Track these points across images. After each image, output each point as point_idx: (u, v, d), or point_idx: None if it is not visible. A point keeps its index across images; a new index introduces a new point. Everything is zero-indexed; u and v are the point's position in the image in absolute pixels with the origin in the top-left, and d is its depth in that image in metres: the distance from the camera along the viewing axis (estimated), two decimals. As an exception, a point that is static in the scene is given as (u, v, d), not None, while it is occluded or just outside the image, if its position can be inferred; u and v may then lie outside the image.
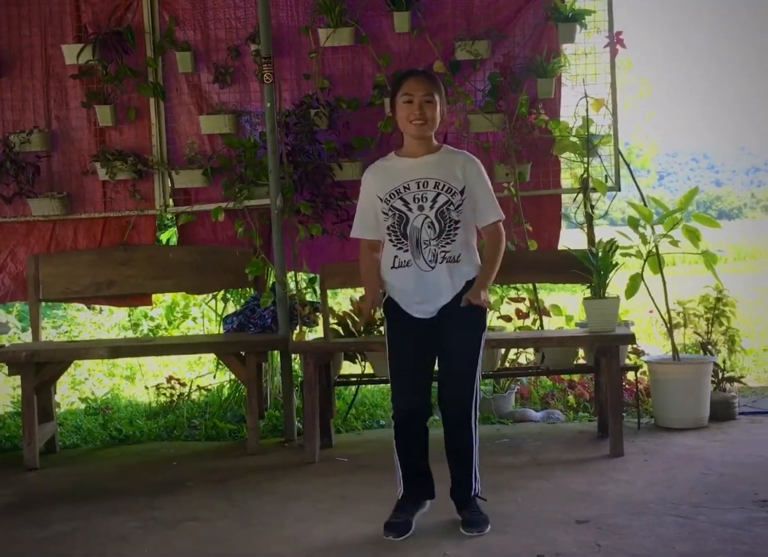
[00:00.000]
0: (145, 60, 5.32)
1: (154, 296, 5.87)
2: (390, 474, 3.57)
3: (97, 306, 7.40)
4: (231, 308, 5.61)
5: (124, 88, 5.31)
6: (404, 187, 3.38)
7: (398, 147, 3.57)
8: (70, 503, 4.00)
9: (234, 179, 5.24)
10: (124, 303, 5.72)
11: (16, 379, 5.50)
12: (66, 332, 7.54)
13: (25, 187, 5.25)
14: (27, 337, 7.12)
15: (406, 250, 3.37)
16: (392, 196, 3.39)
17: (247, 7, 5.34)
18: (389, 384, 3.56)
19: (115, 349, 4.86)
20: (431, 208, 3.37)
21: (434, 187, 3.38)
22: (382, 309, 3.50)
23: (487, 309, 3.58)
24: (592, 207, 5.31)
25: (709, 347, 5.16)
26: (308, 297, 5.23)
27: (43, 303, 5.41)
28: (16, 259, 5.37)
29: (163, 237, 6.56)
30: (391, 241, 3.40)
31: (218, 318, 5.66)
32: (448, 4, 5.34)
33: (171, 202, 5.41)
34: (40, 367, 4.66)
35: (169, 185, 5.39)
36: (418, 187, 3.38)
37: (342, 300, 8.58)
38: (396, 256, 3.39)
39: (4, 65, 5.35)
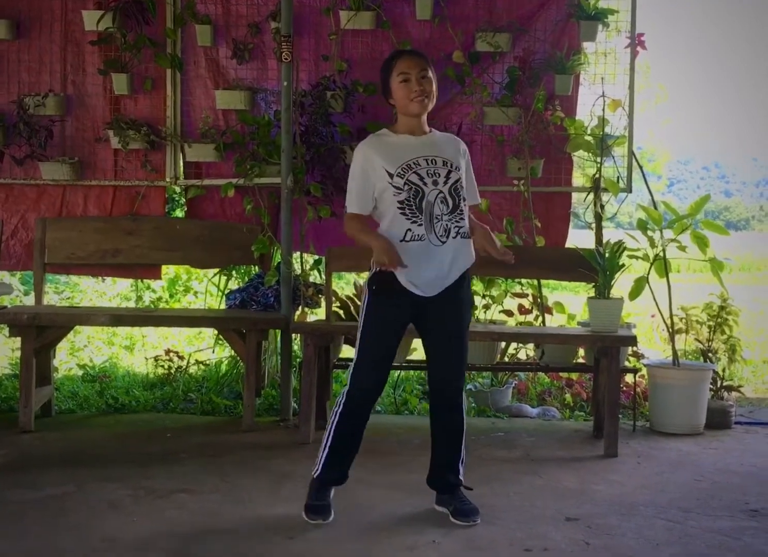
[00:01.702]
0: (165, 31, 5.31)
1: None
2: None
3: (100, 274, 7.38)
4: (233, 285, 5.62)
5: (142, 57, 5.30)
6: (414, 163, 3.36)
7: (392, 125, 3.52)
8: (62, 467, 4.01)
9: (246, 156, 5.24)
10: (132, 275, 5.72)
11: (15, 341, 5.52)
12: (68, 298, 7.55)
13: (36, 150, 5.25)
14: (29, 301, 7.13)
15: (420, 224, 3.33)
16: (406, 170, 3.34)
17: (269, -16, 5.32)
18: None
19: (116, 317, 4.87)
20: (445, 183, 3.36)
21: (443, 165, 3.39)
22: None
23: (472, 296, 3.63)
24: (602, 207, 5.30)
25: (710, 355, 5.16)
26: (312, 279, 5.23)
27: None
28: (27, 226, 5.37)
29: (177, 213, 6.56)
30: (404, 214, 3.33)
31: (220, 294, 5.66)
32: (471, -6, 5.32)
33: (182, 174, 5.41)
34: (41, 331, 4.67)
35: (181, 158, 5.39)
36: (428, 164, 3.37)
37: (345, 284, 8.60)
38: (409, 229, 3.33)
39: (23, 26, 5.34)
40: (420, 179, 3.34)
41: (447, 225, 3.35)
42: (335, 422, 3.41)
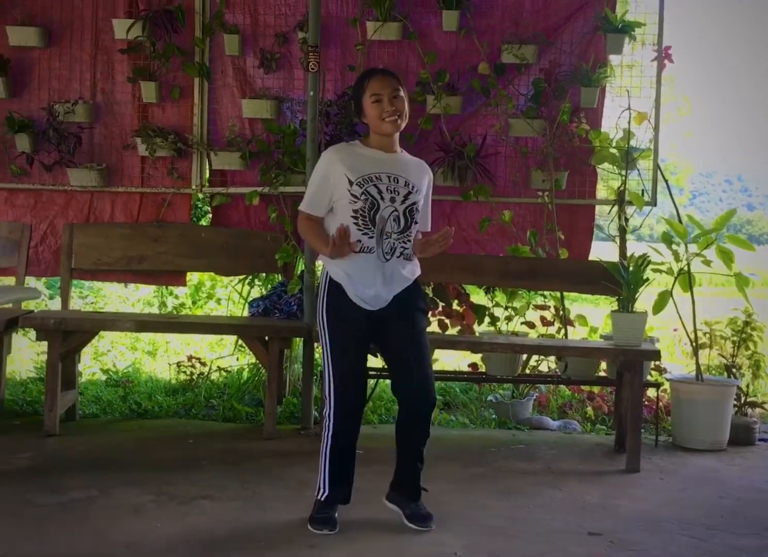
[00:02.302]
0: (193, 40, 5.35)
1: (181, 275, 5.90)
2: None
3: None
4: (256, 292, 5.64)
5: (171, 66, 5.34)
6: (376, 177, 3.39)
7: (365, 138, 3.56)
8: (86, 472, 4.05)
9: (271, 165, 5.27)
10: (157, 281, 5.75)
11: (40, 345, 5.57)
12: (92, 303, 7.61)
13: (65, 157, 5.31)
14: (53, 305, 7.20)
15: (371, 237, 3.36)
16: (366, 181, 3.37)
17: (297, -5, 5.36)
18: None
19: (141, 323, 4.90)
20: (402, 203, 3.40)
21: (405, 185, 3.41)
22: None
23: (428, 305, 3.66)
24: (626, 220, 5.29)
25: (734, 370, 5.13)
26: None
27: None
28: (55, 232, 5.41)
29: (202, 222, 6.61)
30: (356, 225, 3.36)
31: (242, 301, 5.69)
32: (498, 6, 5.34)
33: (207, 182, 5.45)
34: (67, 335, 4.70)
35: (207, 166, 5.43)
36: (390, 181, 3.40)
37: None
38: (360, 240, 3.36)
39: (54, 34, 5.40)
40: (378, 192, 3.37)
41: (394, 243, 3.39)
42: (328, 444, 3.42)
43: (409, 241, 3.43)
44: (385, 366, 5.14)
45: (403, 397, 3.45)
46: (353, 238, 3.35)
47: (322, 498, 3.44)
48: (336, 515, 3.44)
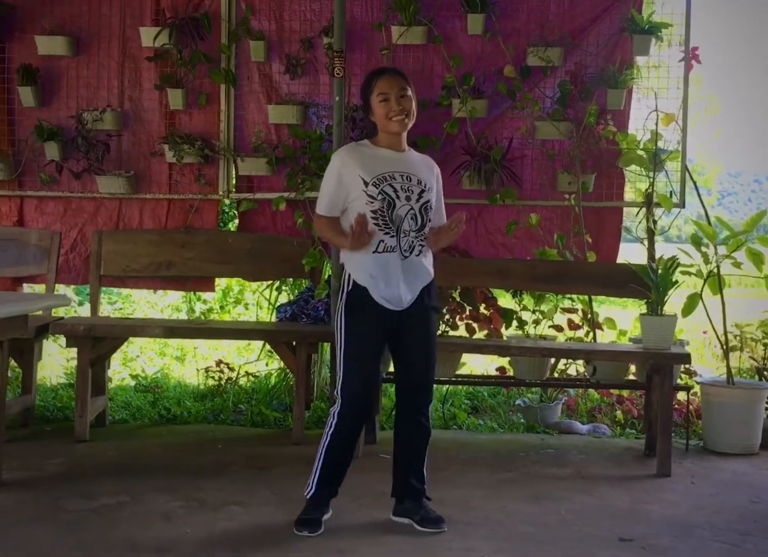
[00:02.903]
0: (219, 47, 5.38)
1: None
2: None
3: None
4: (284, 298, 5.66)
5: (197, 73, 5.37)
6: (390, 176, 3.41)
7: (373, 138, 3.57)
8: (117, 477, 4.08)
9: (297, 170, 5.28)
10: (185, 287, 5.77)
11: (70, 351, 5.62)
12: (120, 309, 7.66)
13: (94, 164, 5.35)
14: (82, 311, 7.26)
15: (393, 236, 3.38)
16: (381, 181, 3.39)
17: (322, 1, 5.36)
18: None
19: (170, 329, 4.93)
20: (417, 201, 3.42)
21: (418, 184, 3.44)
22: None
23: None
24: (655, 222, 5.25)
25: (765, 373, 5.07)
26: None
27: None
28: (85, 240, 5.45)
29: (230, 227, 6.64)
30: (377, 225, 3.38)
31: (270, 307, 5.70)
32: (523, 9, 5.32)
33: (234, 188, 5.48)
34: (97, 342, 4.74)
35: (234, 171, 5.45)
36: (403, 179, 3.42)
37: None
38: (382, 240, 3.38)
39: (82, 43, 5.45)
40: (394, 191, 3.39)
41: (412, 241, 3.41)
42: (327, 442, 3.45)
43: (425, 238, 3.45)
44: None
45: (400, 392, 3.52)
46: (375, 238, 3.37)
47: (308, 497, 3.47)
48: (323, 516, 3.45)
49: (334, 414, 3.45)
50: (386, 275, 3.38)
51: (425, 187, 3.46)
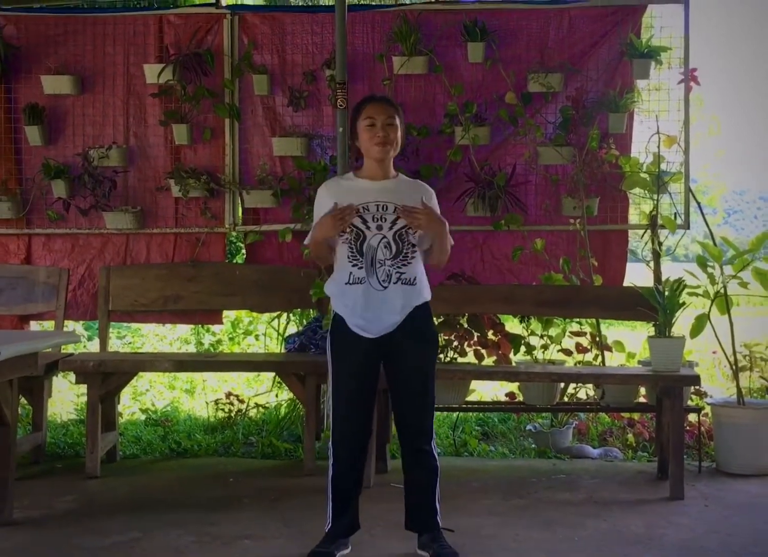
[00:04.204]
0: (223, 81, 5.44)
1: (218, 312, 5.95)
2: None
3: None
4: (292, 328, 5.67)
5: (201, 108, 5.43)
6: (363, 207, 3.43)
7: (357, 168, 3.63)
8: (128, 513, 4.07)
9: (303, 201, 5.32)
10: (193, 321, 5.80)
11: (80, 387, 5.63)
12: (129, 343, 7.69)
13: (100, 201, 5.40)
14: (92, 346, 7.29)
15: (361, 268, 3.41)
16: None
17: (324, 34, 5.44)
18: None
19: (179, 363, 4.94)
20: (390, 229, 3.42)
21: (394, 211, 3.43)
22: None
23: (436, 334, 3.61)
24: (660, 244, 5.26)
25: (776, 392, 5.05)
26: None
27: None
28: (93, 276, 5.49)
29: (237, 259, 6.68)
30: (347, 257, 3.43)
31: (279, 338, 5.72)
32: (522, 36, 5.37)
33: (240, 220, 5.51)
34: (106, 377, 4.76)
35: (240, 204, 5.49)
36: (377, 209, 3.44)
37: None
38: (351, 273, 3.42)
39: (87, 82, 5.52)
40: (363, 223, 3.41)
41: (389, 270, 3.40)
42: (331, 473, 3.48)
43: (407, 264, 3.43)
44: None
45: (399, 430, 3.54)
46: (345, 271, 3.43)
47: (327, 530, 3.48)
48: (337, 551, 3.44)
49: (330, 445, 3.49)
50: (361, 305, 3.41)
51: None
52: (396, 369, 3.48)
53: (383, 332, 3.41)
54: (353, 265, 3.42)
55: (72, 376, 5.18)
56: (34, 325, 5.69)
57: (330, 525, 3.49)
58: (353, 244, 3.42)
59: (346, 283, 3.44)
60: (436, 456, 3.51)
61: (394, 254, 3.41)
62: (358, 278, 3.41)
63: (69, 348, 5.81)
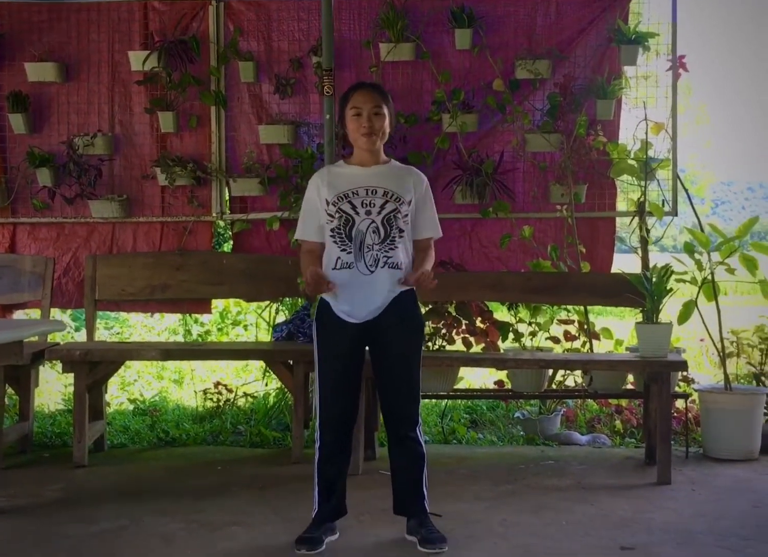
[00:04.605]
0: (209, 69, 5.41)
1: (207, 301, 5.92)
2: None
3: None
4: (281, 317, 5.66)
5: (187, 95, 5.40)
6: (353, 192, 3.43)
7: (348, 156, 3.63)
8: (116, 502, 4.06)
9: (290, 189, 5.30)
10: (181, 310, 5.76)
11: (68, 377, 5.60)
12: (117, 333, 7.66)
13: (86, 189, 5.37)
14: (79, 337, 7.25)
15: (349, 252, 3.41)
16: (340, 199, 3.43)
17: (310, 20, 5.41)
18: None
19: (166, 352, 4.92)
20: (378, 213, 3.41)
21: (383, 196, 3.43)
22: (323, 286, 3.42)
23: (422, 320, 3.58)
24: (648, 231, 5.26)
25: (763, 378, 5.07)
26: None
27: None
28: (78, 264, 5.46)
29: (225, 248, 6.65)
30: (335, 242, 3.43)
31: (269, 328, 5.70)
32: (510, 23, 5.35)
33: (227, 209, 5.48)
34: (93, 366, 4.73)
35: (227, 193, 5.47)
36: (367, 194, 3.43)
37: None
38: (339, 258, 3.42)
39: (72, 69, 5.48)
40: (352, 208, 3.42)
41: (377, 255, 3.40)
42: (316, 458, 3.49)
43: (394, 248, 3.42)
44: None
45: (384, 417, 3.54)
46: (333, 256, 3.43)
47: (313, 515, 3.48)
48: (324, 535, 3.43)
49: (317, 428, 3.50)
50: (347, 290, 3.41)
51: (390, 197, 3.43)
52: (381, 356, 3.48)
53: (368, 317, 3.41)
54: (341, 250, 3.42)
55: (59, 366, 5.15)
56: (20, 315, 5.65)
57: (317, 509, 3.49)
58: (342, 230, 3.42)
59: (333, 269, 3.43)
60: (422, 443, 3.51)
61: (382, 239, 3.41)
62: (346, 263, 3.41)
63: (57, 338, 5.78)
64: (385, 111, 3.48)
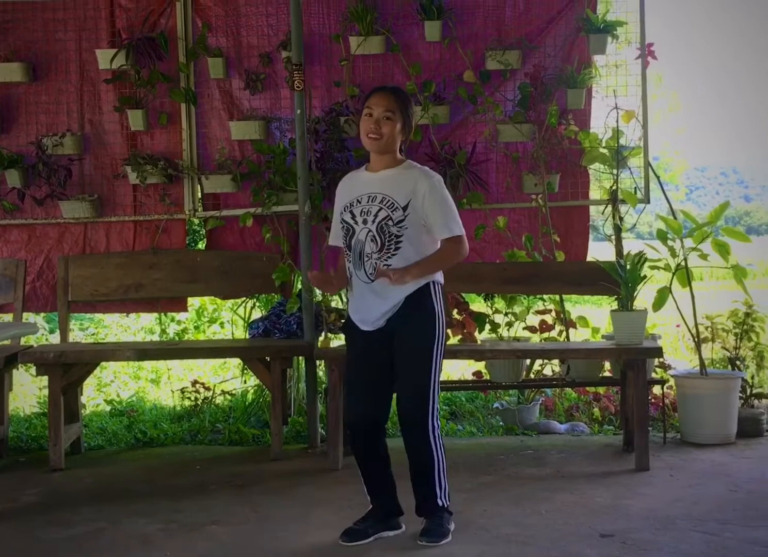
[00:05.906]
0: (178, 65, 5.37)
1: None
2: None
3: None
4: (257, 314, 5.63)
5: (157, 93, 5.35)
6: (357, 201, 3.44)
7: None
8: (94, 504, 4.02)
9: (263, 185, 5.27)
10: (156, 309, 5.70)
11: (43, 380, 5.57)
12: (93, 334, 7.60)
13: (56, 190, 5.31)
14: (54, 339, 7.19)
15: (351, 261, 3.46)
16: (345, 209, 3.47)
17: (279, 15, 5.37)
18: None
19: (142, 352, 4.89)
20: (373, 222, 3.40)
21: (380, 202, 3.40)
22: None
23: (436, 319, 3.43)
24: (621, 219, 5.28)
25: (738, 362, 5.11)
26: (334, 304, 5.24)
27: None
28: (51, 266, 5.40)
29: (200, 245, 6.61)
30: (346, 252, 3.50)
31: (245, 325, 5.67)
32: (479, 14, 5.35)
33: (200, 206, 5.45)
34: (68, 368, 4.69)
35: (199, 190, 5.43)
36: (367, 201, 3.43)
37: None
38: (348, 268, 3.50)
39: (39, 69, 5.42)
40: (352, 218, 3.44)
41: (375, 263, 3.39)
42: (354, 454, 3.55)
43: (392, 257, 3.37)
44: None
45: (397, 409, 3.52)
46: (347, 266, 3.50)
47: (368, 509, 3.52)
48: (372, 531, 3.44)
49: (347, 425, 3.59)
50: (356, 298, 3.47)
51: (384, 203, 3.38)
52: (394, 359, 3.45)
53: (378, 324, 3.43)
54: (348, 260, 3.48)
55: (34, 369, 5.10)
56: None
57: (369, 503, 3.54)
58: (345, 239, 3.46)
59: (349, 278, 3.51)
60: (433, 443, 3.40)
61: (380, 247, 3.38)
62: (351, 272, 3.47)
63: (31, 341, 5.72)
64: (397, 116, 3.41)
